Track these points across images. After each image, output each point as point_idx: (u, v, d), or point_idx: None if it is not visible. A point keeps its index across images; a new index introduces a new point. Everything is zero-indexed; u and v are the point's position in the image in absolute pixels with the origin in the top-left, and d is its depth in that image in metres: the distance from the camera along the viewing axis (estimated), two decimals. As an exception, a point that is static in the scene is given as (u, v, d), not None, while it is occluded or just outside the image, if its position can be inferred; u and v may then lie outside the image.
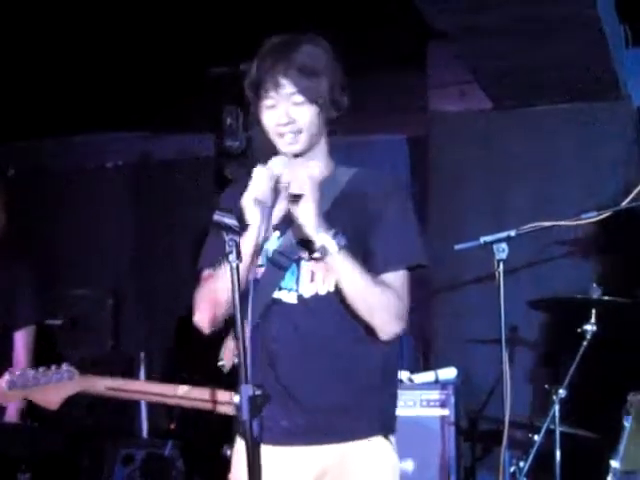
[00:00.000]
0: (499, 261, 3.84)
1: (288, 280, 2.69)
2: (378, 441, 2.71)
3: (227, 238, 2.34)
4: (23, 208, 6.99)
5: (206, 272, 2.76)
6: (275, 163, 2.58)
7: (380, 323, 2.62)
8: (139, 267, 6.92)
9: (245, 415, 2.28)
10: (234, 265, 2.33)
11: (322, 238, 2.54)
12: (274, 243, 2.69)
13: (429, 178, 5.80)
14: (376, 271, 2.64)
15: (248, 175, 2.61)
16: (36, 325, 4.32)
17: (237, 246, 2.34)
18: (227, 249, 2.33)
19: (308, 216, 2.54)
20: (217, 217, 2.36)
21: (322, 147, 2.75)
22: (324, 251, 2.54)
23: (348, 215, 2.68)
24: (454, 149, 5.85)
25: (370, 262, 2.65)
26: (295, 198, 2.54)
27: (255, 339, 2.57)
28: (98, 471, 5.36)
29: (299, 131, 2.64)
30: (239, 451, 2.70)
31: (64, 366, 2.72)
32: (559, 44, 4.70)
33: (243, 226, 2.39)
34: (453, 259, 4.79)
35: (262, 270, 2.69)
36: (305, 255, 2.67)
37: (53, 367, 2.71)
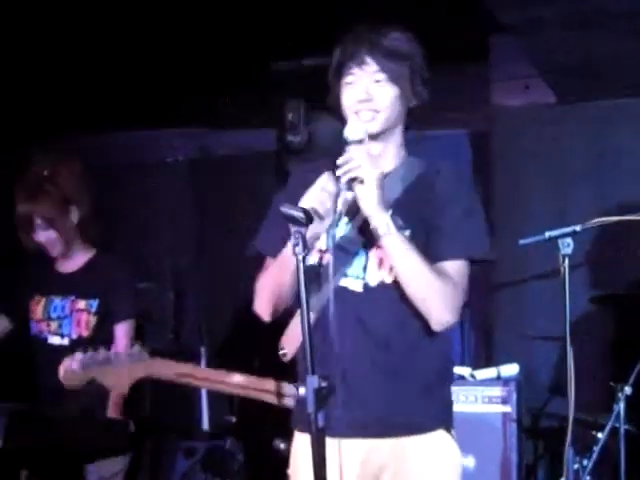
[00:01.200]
0: (564, 256, 3.80)
1: (355, 267, 2.69)
2: (440, 434, 2.70)
3: (293, 230, 2.35)
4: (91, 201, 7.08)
5: (268, 260, 2.78)
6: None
7: (433, 311, 2.60)
8: (200, 262, 6.96)
9: (310, 407, 2.29)
10: (300, 257, 2.34)
11: (379, 217, 2.53)
12: (342, 229, 2.69)
13: (492, 173, 5.75)
14: (436, 258, 2.62)
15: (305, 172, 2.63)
16: (134, 319, 4.35)
17: (304, 238, 2.35)
18: (293, 241, 2.35)
19: (368, 196, 2.52)
20: (283, 209, 2.37)
21: (397, 136, 2.75)
22: (380, 231, 2.53)
23: (415, 206, 2.68)
24: (517, 144, 5.79)
25: (431, 249, 2.63)
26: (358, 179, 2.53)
27: (319, 327, 2.59)
28: (159, 463, 5.41)
29: (376, 110, 2.65)
30: (299, 445, 2.72)
31: (135, 347, 2.71)
32: (624, 37, 4.65)
33: (310, 218, 2.38)
34: (517, 254, 4.76)
35: (328, 256, 2.66)
36: (374, 241, 2.65)
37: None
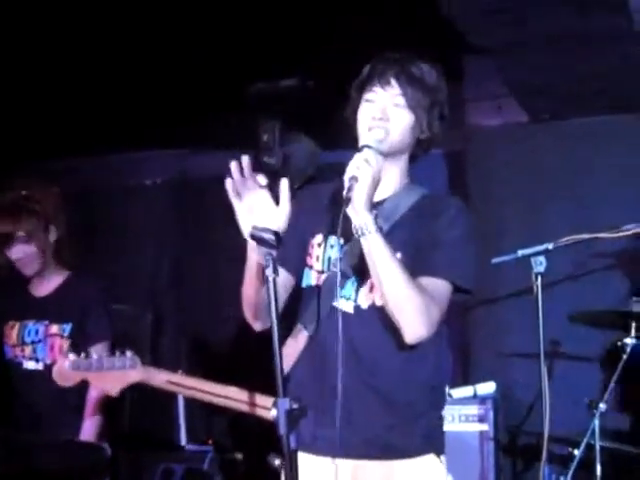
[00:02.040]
0: (537, 274, 3.83)
1: (348, 289, 2.71)
2: (429, 459, 2.72)
3: (263, 252, 2.37)
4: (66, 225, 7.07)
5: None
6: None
7: (406, 321, 2.58)
8: (178, 283, 6.95)
9: (282, 429, 2.30)
10: (271, 279, 2.36)
11: (363, 217, 2.52)
12: (337, 250, 2.71)
13: (467, 192, 5.79)
14: (420, 271, 2.64)
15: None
16: (109, 340, 4.35)
17: (273, 260, 2.36)
18: (264, 263, 2.37)
19: (357, 194, 2.52)
20: (253, 231, 2.40)
21: (402, 162, 2.80)
22: (361, 230, 2.53)
23: (411, 233, 2.72)
24: (492, 163, 5.84)
25: (418, 263, 2.66)
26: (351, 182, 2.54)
27: (311, 346, 2.62)
28: (137, 484, 5.39)
29: (388, 132, 2.68)
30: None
31: (128, 353, 2.75)
32: (600, 57, 4.70)
33: (279, 240, 2.40)
34: (491, 273, 4.78)
35: (324, 277, 2.73)
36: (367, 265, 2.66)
37: (117, 353, 2.74)
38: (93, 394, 4.20)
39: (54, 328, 4.27)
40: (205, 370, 6.41)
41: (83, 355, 2.72)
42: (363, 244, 2.55)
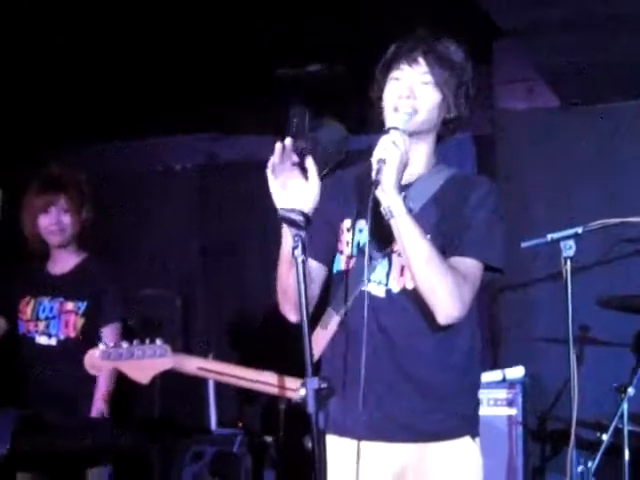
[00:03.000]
0: (566, 258, 3.80)
1: (379, 273, 2.70)
2: (466, 442, 2.72)
3: (292, 233, 2.38)
4: (94, 211, 7.12)
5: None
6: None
7: (439, 301, 2.57)
8: (207, 268, 6.98)
9: (311, 408, 2.31)
10: (299, 260, 2.37)
11: (392, 199, 2.51)
12: (366, 235, 2.69)
13: (496, 176, 5.76)
14: (453, 252, 2.64)
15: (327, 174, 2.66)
16: (122, 322, 4.43)
17: (302, 241, 2.37)
18: (293, 244, 2.37)
19: (386, 176, 2.51)
20: (282, 212, 2.40)
21: (429, 142, 2.77)
22: (391, 212, 2.52)
23: (440, 214, 2.70)
24: (521, 147, 5.82)
25: (450, 243, 2.65)
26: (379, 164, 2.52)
27: (342, 330, 2.63)
28: (168, 467, 5.43)
29: (415, 111, 2.66)
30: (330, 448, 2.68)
31: (158, 341, 2.75)
32: (626, 39, 4.65)
33: (308, 221, 2.41)
34: (521, 257, 4.77)
35: (353, 261, 2.71)
36: (397, 248, 2.66)
37: (147, 341, 2.74)
38: (102, 387, 4.24)
39: (69, 305, 4.34)
40: (235, 354, 6.48)
41: (113, 344, 2.74)
42: (393, 226, 2.54)
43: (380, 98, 2.73)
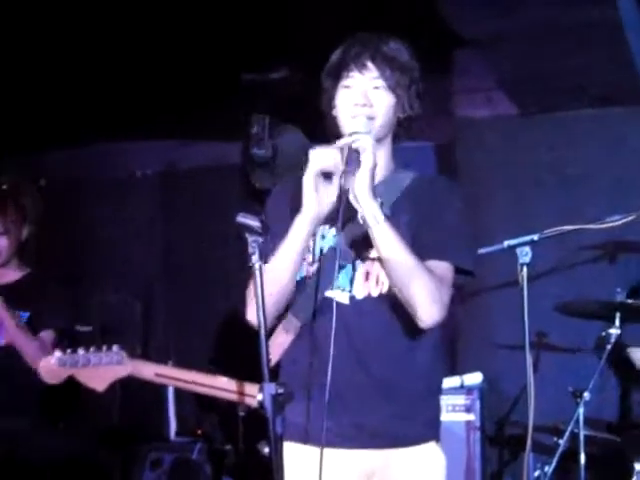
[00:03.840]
0: (522, 265, 3.84)
1: (342, 279, 2.68)
2: (429, 447, 2.73)
3: (250, 239, 2.39)
4: (53, 217, 7.09)
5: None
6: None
7: (420, 305, 2.56)
8: (168, 274, 6.98)
9: (268, 413, 2.33)
10: (257, 266, 2.38)
11: (370, 206, 2.50)
12: (330, 241, 2.70)
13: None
14: (425, 255, 2.62)
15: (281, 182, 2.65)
16: (60, 331, 4.43)
17: (260, 247, 2.38)
18: (250, 250, 2.38)
19: (361, 185, 2.50)
20: (240, 218, 2.40)
21: (387, 145, 2.76)
22: (370, 220, 2.51)
23: (408, 216, 2.69)
24: (481, 155, 5.86)
25: (422, 247, 2.63)
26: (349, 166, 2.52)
27: (305, 337, 2.63)
28: (127, 475, 5.42)
29: (372, 117, 2.65)
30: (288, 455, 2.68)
31: (115, 348, 2.71)
32: (583, 49, 4.71)
33: (266, 228, 2.42)
34: (479, 264, 4.80)
35: (315, 267, 2.70)
36: (361, 255, 2.67)
37: (104, 348, 2.70)
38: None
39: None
40: (196, 360, 6.47)
41: (69, 351, 2.70)
42: (372, 233, 2.53)
43: (331, 107, 2.71)
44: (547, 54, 4.85)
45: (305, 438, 2.68)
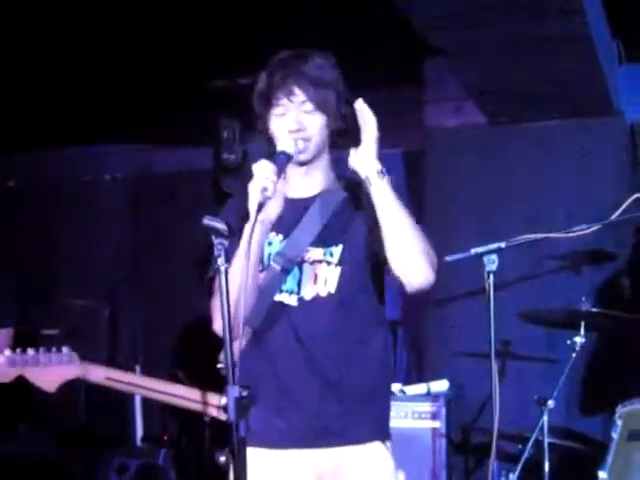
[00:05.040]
0: (489, 273, 3.86)
1: (290, 283, 2.74)
2: (376, 446, 2.75)
3: (216, 242, 2.40)
4: (22, 219, 7.06)
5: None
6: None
7: (416, 265, 2.63)
8: (135, 278, 6.96)
9: (232, 416, 2.33)
10: (222, 269, 2.38)
11: (373, 164, 2.59)
12: (276, 246, 2.75)
13: (425, 192, 5.84)
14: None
15: (245, 189, 2.67)
16: (14, 330, 4.47)
17: (226, 250, 2.39)
18: (216, 253, 2.39)
19: (368, 145, 2.58)
20: (206, 221, 2.41)
21: (325, 158, 2.82)
22: (374, 177, 2.58)
23: (348, 224, 2.75)
24: (450, 163, 5.90)
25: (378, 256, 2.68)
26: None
27: (256, 341, 2.64)
28: (93, 479, 5.39)
29: (308, 139, 2.71)
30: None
31: (64, 349, 2.74)
32: (551, 60, 4.75)
33: (232, 231, 2.43)
34: (447, 272, 4.82)
35: (263, 273, 2.74)
36: (308, 257, 2.72)
37: (54, 349, 2.73)
38: None
39: None
40: (162, 363, 6.45)
41: (19, 351, 2.72)
42: (374, 191, 2.60)
43: (267, 132, 2.76)
44: (516, 65, 4.88)
45: (259, 441, 2.70)
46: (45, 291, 6.87)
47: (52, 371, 2.72)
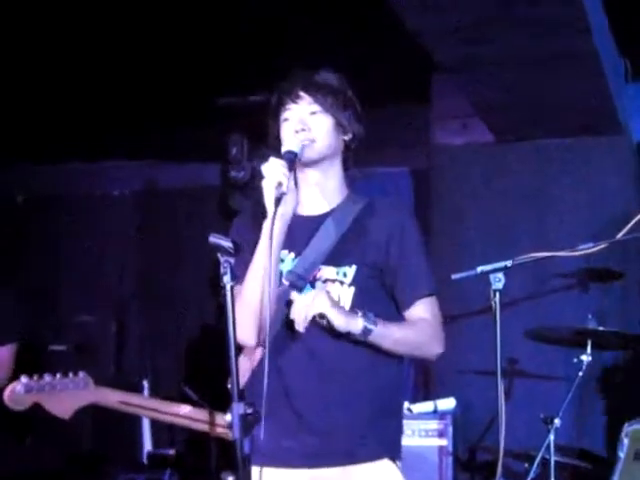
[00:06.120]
0: (495, 291, 3.84)
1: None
2: (385, 464, 2.74)
3: (222, 259, 2.40)
4: (29, 234, 7.08)
5: (237, 288, 2.69)
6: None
7: (424, 354, 2.84)
8: (143, 294, 6.97)
9: (236, 433, 2.33)
10: (228, 287, 2.39)
11: (356, 325, 2.63)
12: (288, 264, 2.74)
13: (431, 210, 5.85)
14: (409, 302, 2.77)
15: (254, 205, 2.69)
16: (20, 345, 4.50)
17: (232, 268, 2.40)
18: (222, 270, 2.39)
19: (335, 317, 2.60)
20: (212, 239, 2.42)
21: (336, 169, 2.81)
22: (361, 336, 2.64)
23: (362, 245, 2.75)
24: (456, 181, 5.90)
25: (401, 293, 2.77)
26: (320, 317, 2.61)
27: (268, 359, 2.64)
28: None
29: (313, 140, 2.72)
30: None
31: (81, 374, 2.71)
32: (558, 78, 4.75)
33: (238, 249, 2.44)
34: (454, 290, 4.83)
35: (276, 291, 2.71)
36: (320, 276, 2.72)
37: (70, 374, 2.69)
38: None
39: None
40: (169, 378, 6.46)
41: (36, 377, 2.68)
42: (369, 339, 2.66)
43: (278, 143, 2.75)
44: (523, 83, 4.89)
45: (268, 460, 2.69)
46: (52, 307, 6.89)
47: (68, 397, 2.69)
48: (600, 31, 4.46)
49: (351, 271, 2.72)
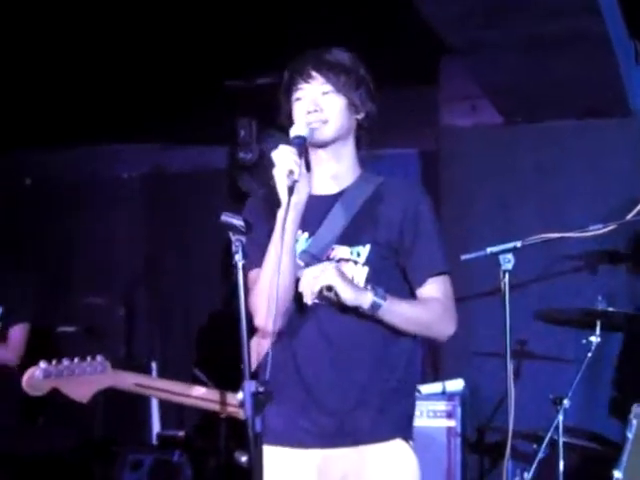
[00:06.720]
0: (505, 272, 3.86)
1: None
2: (398, 444, 2.75)
3: (234, 238, 2.41)
4: (38, 217, 7.09)
5: (254, 272, 2.73)
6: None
7: (436, 335, 2.82)
8: (152, 277, 6.98)
9: (248, 412, 2.34)
10: (240, 265, 2.40)
11: (365, 299, 2.63)
12: (302, 244, 2.74)
13: (440, 192, 5.84)
14: (421, 280, 2.76)
15: (266, 190, 2.68)
16: (30, 324, 4.53)
17: (243, 247, 2.40)
18: (234, 249, 2.40)
19: (345, 291, 2.60)
20: (224, 217, 2.43)
21: (349, 149, 2.82)
22: (371, 310, 2.63)
23: (375, 224, 2.75)
24: (465, 163, 5.89)
25: (414, 273, 2.77)
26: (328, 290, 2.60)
27: (281, 338, 2.65)
28: (107, 475, 5.41)
29: (325, 121, 2.72)
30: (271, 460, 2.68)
31: (98, 358, 2.71)
32: (568, 60, 4.74)
33: (249, 227, 2.44)
34: (462, 271, 4.82)
35: None
36: (334, 255, 2.72)
37: (88, 358, 2.70)
38: None
39: None
40: (179, 361, 6.48)
41: (54, 362, 2.68)
42: (379, 314, 2.65)
43: (290, 122, 2.76)
44: (532, 65, 4.88)
45: (282, 440, 2.71)
46: (61, 289, 6.91)
47: (86, 381, 2.69)
48: (611, 13, 4.44)
49: (365, 250, 2.72)
